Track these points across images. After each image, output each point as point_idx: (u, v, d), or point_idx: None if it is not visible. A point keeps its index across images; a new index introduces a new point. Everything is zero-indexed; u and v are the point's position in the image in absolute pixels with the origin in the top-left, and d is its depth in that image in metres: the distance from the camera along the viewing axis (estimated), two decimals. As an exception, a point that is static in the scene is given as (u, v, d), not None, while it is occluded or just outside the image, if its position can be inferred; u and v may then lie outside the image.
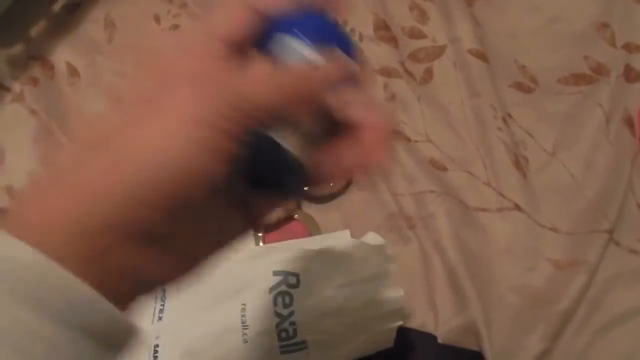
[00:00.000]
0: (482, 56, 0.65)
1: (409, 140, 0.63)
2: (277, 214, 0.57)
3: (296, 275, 0.44)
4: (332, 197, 0.60)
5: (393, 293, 0.45)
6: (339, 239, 0.47)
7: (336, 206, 0.60)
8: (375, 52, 0.67)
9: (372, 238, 0.47)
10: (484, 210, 0.59)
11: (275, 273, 0.43)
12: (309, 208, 0.59)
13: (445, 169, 0.61)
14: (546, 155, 0.61)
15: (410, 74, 0.66)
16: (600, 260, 0.55)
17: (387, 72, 0.66)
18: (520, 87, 0.65)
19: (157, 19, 0.70)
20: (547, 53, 0.66)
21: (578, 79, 0.64)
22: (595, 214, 0.57)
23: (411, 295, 0.54)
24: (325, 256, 0.45)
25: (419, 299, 0.55)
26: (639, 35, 0.65)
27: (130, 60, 0.67)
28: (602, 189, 0.58)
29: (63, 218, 0.20)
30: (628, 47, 0.65)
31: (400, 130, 0.63)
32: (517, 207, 0.58)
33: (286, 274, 0.44)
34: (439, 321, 0.54)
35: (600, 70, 0.64)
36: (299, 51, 0.25)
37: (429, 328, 0.54)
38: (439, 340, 0.53)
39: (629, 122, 0.62)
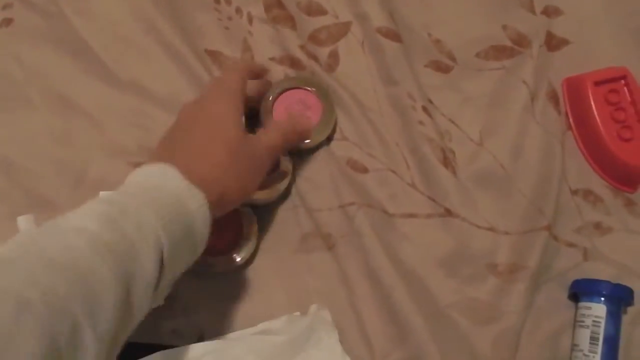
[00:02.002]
0: (394, 35, 0.56)
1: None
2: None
3: None
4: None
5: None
6: (273, 323, 0.43)
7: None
8: (270, 36, 0.56)
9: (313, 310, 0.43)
10: (412, 216, 0.52)
11: None
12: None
13: (365, 170, 0.53)
14: (473, 145, 0.55)
15: (314, 59, 0.56)
16: (541, 262, 0.51)
17: (288, 61, 0.56)
18: (437, 66, 0.57)
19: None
20: (463, 23, 0.58)
21: (498, 52, 0.57)
22: (533, 210, 0.52)
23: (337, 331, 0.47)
24: (259, 342, 0.39)
25: (347, 334, 0.48)
26: (558, -3, 0.59)
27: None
28: (535, 180, 0.53)
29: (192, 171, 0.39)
30: (547, 12, 0.58)
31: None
32: (448, 212, 0.52)
33: None
34: (376, 357, 0.48)
35: (521, 42, 0.57)
36: None
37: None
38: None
39: (554, 98, 0.56)
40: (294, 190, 0.53)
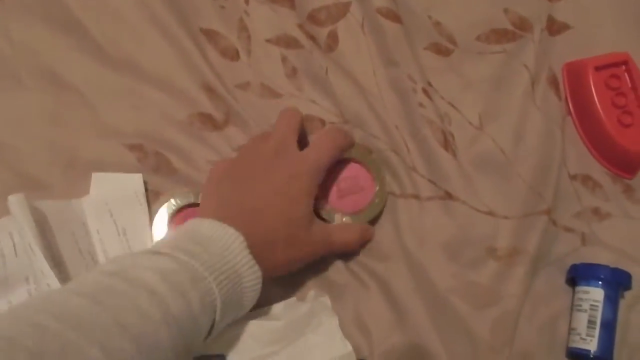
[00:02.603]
0: (394, 16, 0.55)
1: (323, 123, 0.53)
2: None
3: (220, 356, 0.38)
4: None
5: (338, 351, 0.38)
6: (272, 308, 0.43)
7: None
8: (267, 16, 0.55)
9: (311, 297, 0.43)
10: (414, 197, 0.52)
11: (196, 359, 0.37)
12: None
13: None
14: (473, 129, 0.54)
15: (313, 39, 0.55)
16: (540, 247, 0.51)
17: (284, 42, 0.55)
18: (438, 49, 0.56)
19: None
20: (464, 6, 0.57)
21: (499, 35, 0.57)
22: (532, 195, 0.52)
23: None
24: (257, 328, 0.40)
25: (343, 319, 0.47)
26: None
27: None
28: (535, 165, 0.53)
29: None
30: (549, -5, 0.58)
31: (311, 114, 0.53)
32: (449, 195, 0.52)
33: (208, 357, 0.38)
34: (374, 344, 0.48)
35: (523, 25, 0.57)
36: None
37: (363, 353, 0.47)
38: (378, 364, 0.47)
39: (555, 83, 0.56)
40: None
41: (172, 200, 0.48)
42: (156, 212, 0.47)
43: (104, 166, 0.50)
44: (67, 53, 0.51)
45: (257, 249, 0.40)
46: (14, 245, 0.42)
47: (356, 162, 0.50)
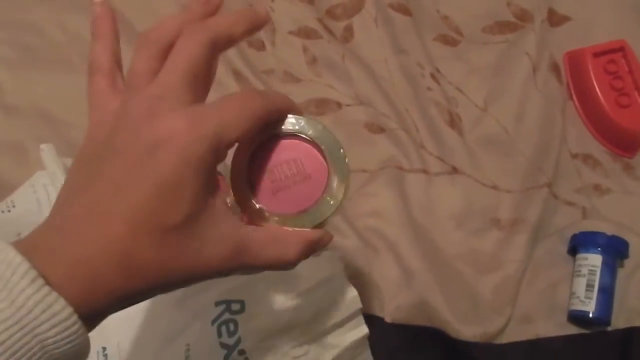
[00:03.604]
0: (404, 10, 0.60)
1: (339, 106, 0.58)
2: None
3: (240, 301, 0.40)
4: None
5: (345, 296, 0.41)
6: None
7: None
8: (289, 11, 0.61)
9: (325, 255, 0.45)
10: (423, 172, 0.56)
11: (218, 303, 0.39)
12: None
13: (381, 130, 0.57)
14: (478, 111, 0.58)
15: (330, 31, 0.60)
16: (541, 216, 0.54)
17: (305, 33, 0.61)
18: (445, 40, 0.61)
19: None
20: (470, 0, 0.62)
21: (503, 27, 0.61)
22: (532, 169, 0.56)
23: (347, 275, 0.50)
24: (269, 274, 0.42)
25: (356, 278, 0.51)
26: (559, -23, 0.63)
27: (2, 39, 0.57)
28: (536, 143, 0.56)
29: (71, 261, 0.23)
30: (549, -10, 0.62)
31: (328, 97, 0.58)
32: (455, 170, 0.56)
33: (229, 302, 0.40)
34: (384, 300, 0.51)
35: (524, 17, 0.61)
36: None
37: (375, 310, 0.51)
38: (387, 320, 0.51)
39: (556, 69, 0.60)
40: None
41: None
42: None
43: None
44: (113, 42, 0.58)
45: (69, 260, 0.23)
46: (49, 196, 0.47)
47: (304, 140, 0.30)
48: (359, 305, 0.42)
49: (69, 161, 0.48)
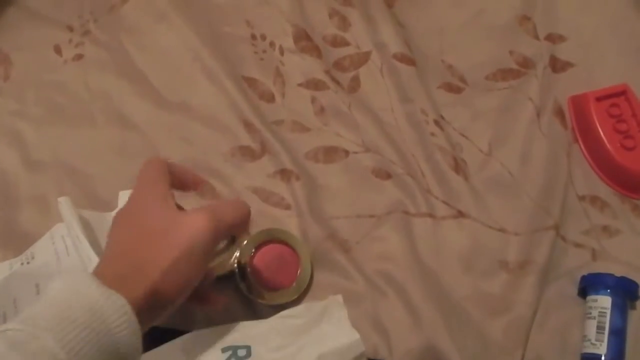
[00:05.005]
0: (408, 60, 0.63)
1: (347, 153, 0.60)
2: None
3: (247, 347, 0.42)
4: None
5: (348, 340, 0.42)
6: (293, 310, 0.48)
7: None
8: (298, 65, 0.64)
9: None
10: (429, 216, 0.57)
11: (224, 350, 0.41)
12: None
13: (388, 176, 0.58)
14: (483, 155, 0.60)
15: (337, 82, 0.63)
16: (549, 258, 0.54)
17: (313, 85, 0.63)
18: (449, 87, 0.63)
19: (57, 50, 0.64)
20: (473, 50, 0.64)
21: (506, 74, 0.63)
22: (539, 212, 0.56)
23: (354, 320, 0.50)
24: (280, 323, 0.44)
25: (363, 323, 0.52)
26: (559, 25, 0.65)
27: (32, 97, 0.61)
28: (542, 185, 0.57)
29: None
30: (551, 38, 0.64)
31: (336, 145, 0.60)
32: (461, 214, 0.57)
33: (235, 347, 0.42)
34: (393, 344, 0.52)
35: (526, 64, 0.63)
36: None
37: (383, 354, 0.51)
38: (397, 365, 0.51)
39: (560, 114, 0.61)
40: (306, 199, 0.57)
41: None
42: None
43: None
44: (132, 97, 0.62)
45: (113, 275, 0.35)
46: (66, 247, 0.49)
47: (282, 244, 0.53)
48: (362, 348, 0.42)
49: (86, 212, 0.50)
